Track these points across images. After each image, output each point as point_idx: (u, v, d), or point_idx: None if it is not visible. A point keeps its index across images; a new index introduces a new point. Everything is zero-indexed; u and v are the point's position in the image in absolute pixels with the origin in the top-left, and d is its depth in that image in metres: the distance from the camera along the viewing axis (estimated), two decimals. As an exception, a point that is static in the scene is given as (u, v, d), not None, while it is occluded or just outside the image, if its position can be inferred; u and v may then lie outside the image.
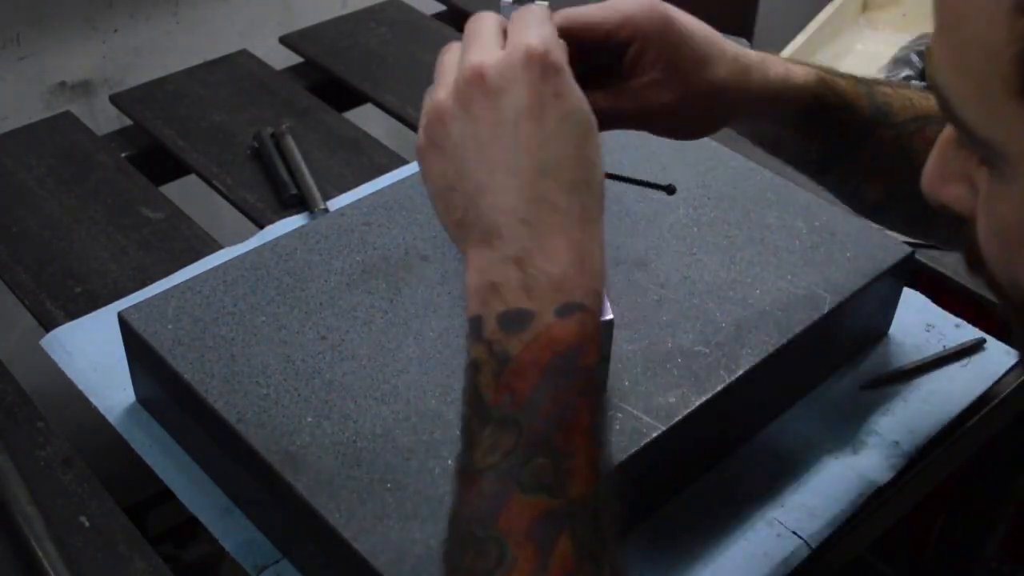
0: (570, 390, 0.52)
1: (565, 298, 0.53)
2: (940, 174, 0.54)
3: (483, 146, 0.53)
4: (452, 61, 0.57)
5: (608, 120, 0.63)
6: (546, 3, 1.29)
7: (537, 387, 0.52)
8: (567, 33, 0.62)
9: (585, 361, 0.53)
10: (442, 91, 0.56)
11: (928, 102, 0.79)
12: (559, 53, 0.55)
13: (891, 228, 0.93)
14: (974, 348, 0.98)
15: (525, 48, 0.53)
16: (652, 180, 0.76)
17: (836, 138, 0.77)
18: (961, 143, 0.52)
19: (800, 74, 0.73)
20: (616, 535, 0.53)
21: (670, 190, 0.75)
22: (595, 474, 0.52)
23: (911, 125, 0.79)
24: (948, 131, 0.53)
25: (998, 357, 0.98)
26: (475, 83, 0.54)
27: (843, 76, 0.78)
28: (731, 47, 0.69)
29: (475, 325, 0.54)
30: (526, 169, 0.53)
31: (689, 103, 0.67)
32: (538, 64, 0.53)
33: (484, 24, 0.58)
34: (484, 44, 0.56)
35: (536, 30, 0.55)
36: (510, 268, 0.53)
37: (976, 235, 0.51)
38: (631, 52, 0.65)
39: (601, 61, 0.66)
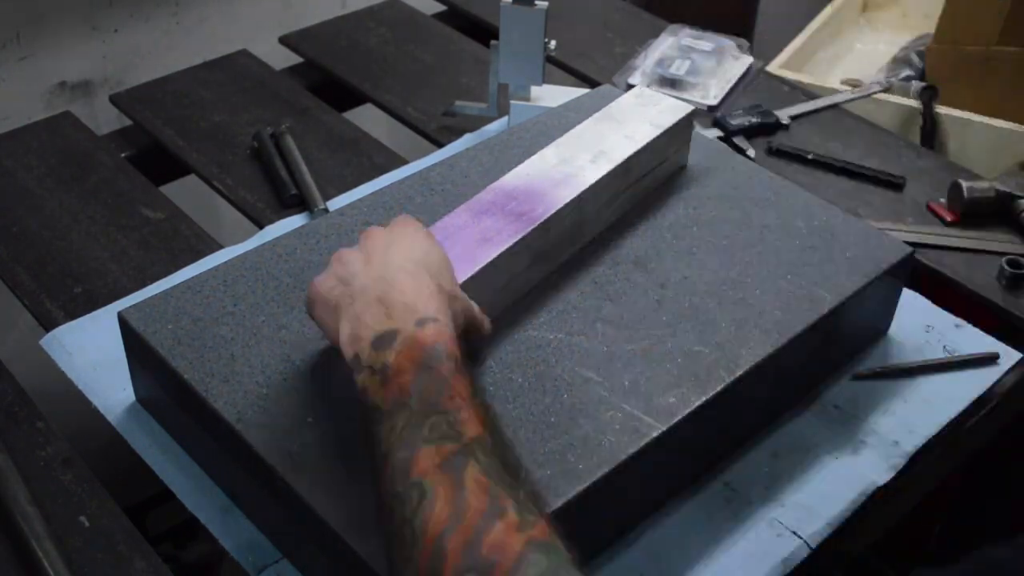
0: (443, 372, 0.65)
1: (420, 315, 0.68)
2: None
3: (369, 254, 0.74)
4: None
5: None
6: (546, 4, 1.28)
7: (415, 378, 0.64)
8: None
9: (450, 351, 0.66)
10: (346, 250, 0.76)
11: None
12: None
13: None
14: (987, 360, 0.97)
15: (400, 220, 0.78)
16: None
17: None
18: None
19: None
20: (524, 473, 0.63)
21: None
22: (484, 425, 0.63)
23: None
24: None
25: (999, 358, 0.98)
26: (367, 234, 0.76)
27: None
28: None
29: (354, 363, 0.68)
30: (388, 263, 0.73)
31: None
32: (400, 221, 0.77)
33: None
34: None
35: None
36: (372, 306, 0.69)
37: None
38: None
39: None
